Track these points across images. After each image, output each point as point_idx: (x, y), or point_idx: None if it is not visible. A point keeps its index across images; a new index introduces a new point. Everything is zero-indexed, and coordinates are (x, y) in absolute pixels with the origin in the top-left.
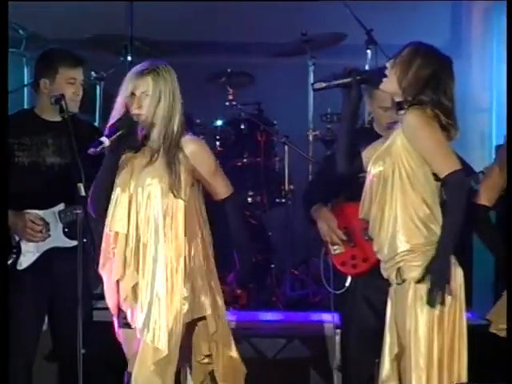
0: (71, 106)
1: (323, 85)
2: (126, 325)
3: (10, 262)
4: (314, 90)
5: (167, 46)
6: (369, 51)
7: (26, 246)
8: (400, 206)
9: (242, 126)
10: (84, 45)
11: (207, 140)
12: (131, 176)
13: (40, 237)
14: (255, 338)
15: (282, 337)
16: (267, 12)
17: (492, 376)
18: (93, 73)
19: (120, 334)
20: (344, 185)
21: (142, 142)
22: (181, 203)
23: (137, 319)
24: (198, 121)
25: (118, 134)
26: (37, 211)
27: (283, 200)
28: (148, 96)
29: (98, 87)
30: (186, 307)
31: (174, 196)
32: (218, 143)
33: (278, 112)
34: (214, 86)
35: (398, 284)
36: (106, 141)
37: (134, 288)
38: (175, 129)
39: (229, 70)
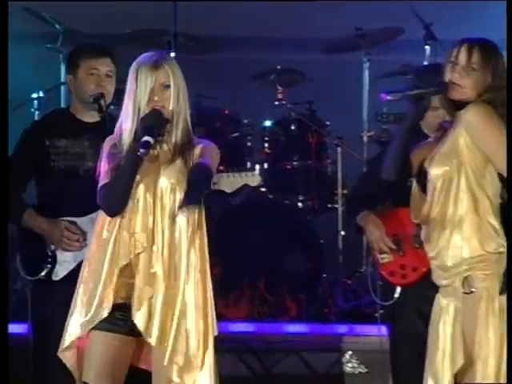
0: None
1: (398, 96)
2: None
3: (44, 272)
4: (387, 100)
5: (213, 41)
6: (427, 47)
7: (62, 256)
8: (468, 208)
9: (292, 127)
10: (125, 40)
11: (255, 141)
12: (154, 176)
13: (77, 246)
14: (306, 351)
15: (333, 350)
16: (318, 6)
17: None
18: None
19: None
20: (392, 189)
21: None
22: (200, 206)
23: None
24: (246, 121)
25: (156, 131)
26: (73, 219)
27: (335, 205)
28: (169, 87)
29: None
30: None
31: None
32: (266, 145)
33: (331, 112)
34: (262, 83)
35: (466, 293)
36: (151, 140)
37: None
38: (189, 123)
39: (278, 67)
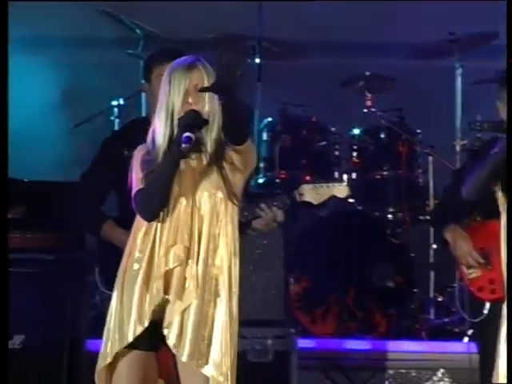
0: None
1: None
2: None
3: None
4: None
5: (299, 47)
6: None
7: None
8: None
9: (382, 135)
10: (207, 45)
11: (343, 150)
12: (191, 187)
13: None
14: (395, 370)
15: (425, 369)
16: (408, 9)
17: None
18: None
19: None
20: (478, 201)
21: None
22: (236, 211)
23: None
24: (333, 129)
25: (195, 130)
26: None
27: (427, 217)
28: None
29: None
30: None
31: (234, 204)
32: (354, 154)
33: (422, 119)
34: (350, 90)
35: None
36: (192, 135)
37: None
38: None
39: (367, 74)
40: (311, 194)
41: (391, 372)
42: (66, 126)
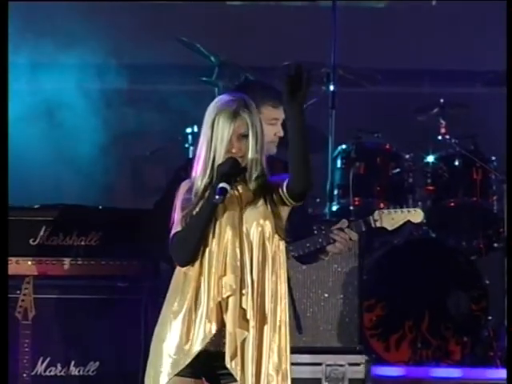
0: (270, 148)
1: None
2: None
3: None
4: None
5: (372, 74)
6: None
7: None
8: None
9: (456, 163)
10: (281, 73)
11: (417, 178)
12: (239, 217)
13: None
14: None
15: None
16: (478, 37)
17: None
18: None
19: None
20: None
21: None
22: (283, 246)
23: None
24: (407, 156)
25: (232, 180)
26: None
27: (502, 244)
28: (247, 137)
29: None
30: None
31: (280, 238)
32: (429, 181)
33: (496, 147)
34: (424, 117)
35: None
36: (228, 187)
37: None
38: (264, 165)
39: (441, 101)
40: (386, 219)
41: None
42: (142, 152)
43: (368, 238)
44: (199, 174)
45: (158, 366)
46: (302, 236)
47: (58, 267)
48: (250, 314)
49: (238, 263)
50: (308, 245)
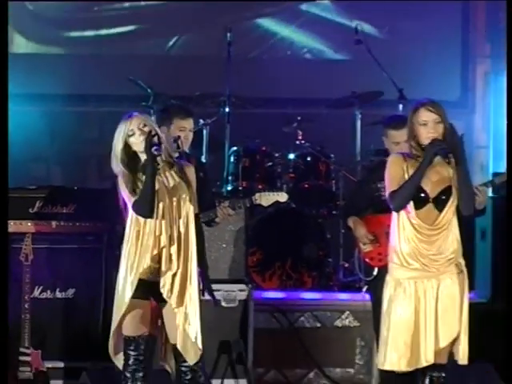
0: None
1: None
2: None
3: None
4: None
5: (256, 100)
6: (400, 105)
7: None
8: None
9: (309, 158)
10: (195, 99)
11: (283, 168)
12: (169, 194)
13: None
14: (317, 311)
15: (336, 311)
16: (319, 76)
17: (492, 351)
18: (201, 120)
19: None
20: (370, 203)
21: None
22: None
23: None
24: (277, 154)
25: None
26: None
27: (338, 212)
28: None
29: (204, 131)
30: None
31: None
32: (290, 170)
33: (335, 148)
34: (288, 129)
35: (458, 274)
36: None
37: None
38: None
39: (299, 118)
40: (263, 198)
41: (315, 313)
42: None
43: (251, 208)
44: (121, 164)
45: (120, 291)
46: (208, 207)
47: (48, 227)
48: (175, 257)
49: (168, 225)
50: (210, 214)
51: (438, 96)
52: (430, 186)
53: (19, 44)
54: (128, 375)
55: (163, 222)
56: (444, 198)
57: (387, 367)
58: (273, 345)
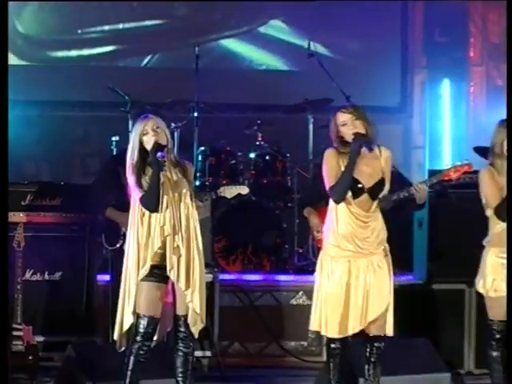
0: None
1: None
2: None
3: (119, 244)
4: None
5: (221, 106)
6: None
7: None
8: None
9: (267, 157)
10: (167, 105)
11: (245, 166)
12: (172, 189)
13: None
14: (275, 291)
15: (292, 291)
16: (279, 83)
17: (425, 330)
18: (172, 124)
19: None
20: (322, 196)
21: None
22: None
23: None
24: (239, 154)
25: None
26: None
27: (293, 204)
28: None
29: (175, 133)
30: None
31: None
32: (251, 167)
33: (290, 148)
34: (249, 131)
35: (385, 256)
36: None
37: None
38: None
39: (259, 122)
40: (227, 192)
41: (273, 293)
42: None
43: (216, 200)
44: (135, 157)
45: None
46: None
47: (38, 217)
48: (180, 245)
49: (173, 216)
50: None
51: (380, 102)
52: (365, 178)
53: (11, 58)
54: (133, 350)
55: (167, 212)
56: (377, 188)
57: (316, 328)
58: (236, 321)
